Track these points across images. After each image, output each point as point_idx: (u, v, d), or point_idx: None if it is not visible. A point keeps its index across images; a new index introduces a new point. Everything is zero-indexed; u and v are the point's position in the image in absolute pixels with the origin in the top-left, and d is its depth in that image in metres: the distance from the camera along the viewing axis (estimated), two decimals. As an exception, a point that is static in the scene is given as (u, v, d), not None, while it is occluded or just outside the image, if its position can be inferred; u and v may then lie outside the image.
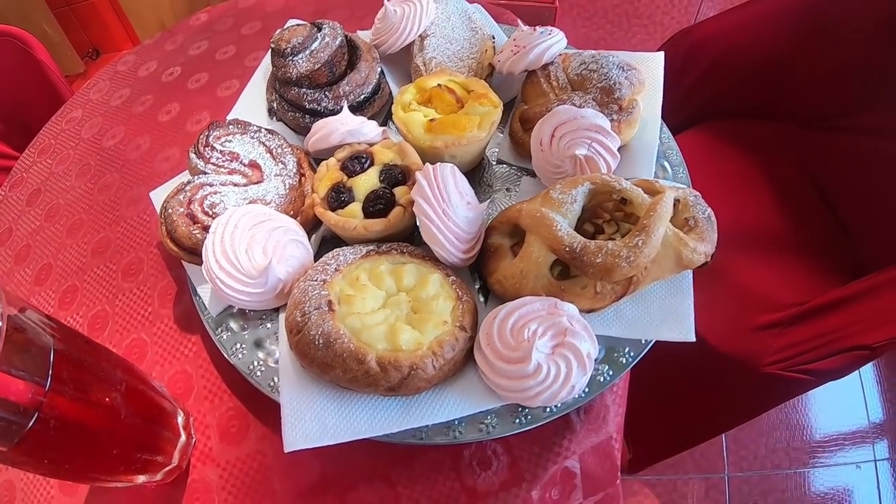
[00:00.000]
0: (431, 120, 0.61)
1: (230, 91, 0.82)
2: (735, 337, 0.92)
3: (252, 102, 0.73)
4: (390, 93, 0.72)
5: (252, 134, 0.65)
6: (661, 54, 0.72)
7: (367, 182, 0.58)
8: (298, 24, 0.68)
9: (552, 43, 0.67)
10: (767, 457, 1.27)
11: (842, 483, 1.28)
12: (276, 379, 0.53)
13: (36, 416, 0.40)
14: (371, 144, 0.62)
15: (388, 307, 0.52)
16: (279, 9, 0.94)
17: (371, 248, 0.56)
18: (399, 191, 0.57)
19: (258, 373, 0.54)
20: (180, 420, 0.57)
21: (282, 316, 0.56)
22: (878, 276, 0.85)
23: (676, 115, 1.15)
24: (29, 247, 0.77)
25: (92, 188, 0.78)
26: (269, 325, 0.57)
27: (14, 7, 1.61)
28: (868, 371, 1.44)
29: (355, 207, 0.57)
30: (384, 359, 0.48)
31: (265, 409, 0.56)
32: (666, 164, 0.67)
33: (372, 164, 0.60)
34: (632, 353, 0.54)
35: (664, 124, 0.70)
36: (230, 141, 0.64)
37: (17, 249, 0.77)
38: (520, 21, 0.71)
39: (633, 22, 1.42)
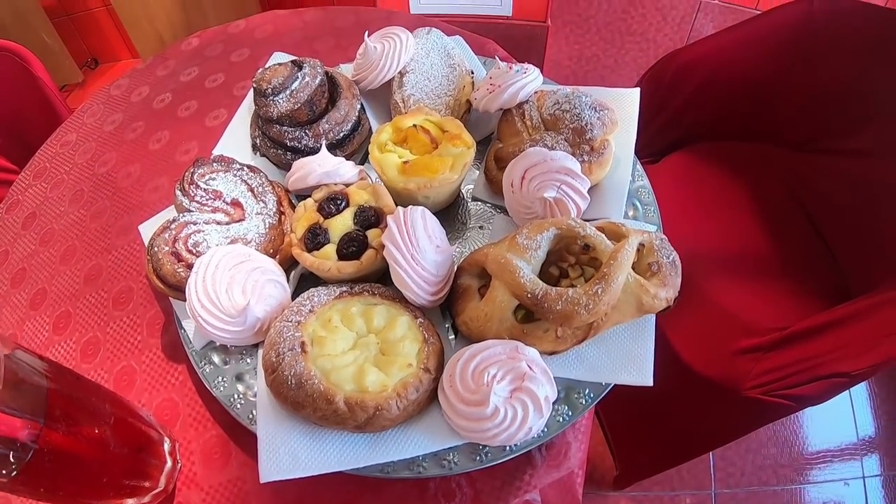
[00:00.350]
0: (405, 162, 0.65)
1: (218, 121, 0.86)
2: (717, 360, 0.96)
3: (237, 136, 0.77)
4: (370, 128, 0.76)
5: (235, 172, 0.69)
6: (637, 91, 0.76)
7: (341, 224, 0.62)
8: (280, 64, 0.72)
9: (527, 82, 0.70)
10: (755, 473, 1.31)
11: (830, 500, 1.31)
12: (253, 412, 0.58)
13: (33, 450, 0.45)
14: (347, 185, 0.66)
15: (358, 348, 0.56)
16: (267, 36, 0.98)
17: (344, 288, 0.60)
18: (372, 233, 0.62)
19: (238, 405, 0.59)
20: (167, 446, 0.62)
21: (261, 352, 0.61)
22: (858, 303, 0.89)
23: (663, 137, 1.19)
24: (24, 270, 0.82)
25: (84, 215, 0.83)
26: (248, 361, 0.62)
27: (13, 16, 1.66)
28: (858, 387, 1.47)
29: (330, 249, 0.61)
30: (351, 399, 0.52)
31: (246, 438, 0.61)
32: (637, 202, 0.71)
33: (347, 205, 0.64)
34: (591, 395, 0.59)
35: (637, 161, 0.73)
36: (214, 179, 0.69)
37: (13, 272, 0.83)
38: (497, 58, 0.75)
39: (626, 39, 1.45)
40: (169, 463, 0.61)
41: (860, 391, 1.42)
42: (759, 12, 1.39)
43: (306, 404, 0.53)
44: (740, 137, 1.15)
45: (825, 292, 1.02)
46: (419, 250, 0.58)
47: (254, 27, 1.00)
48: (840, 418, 1.39)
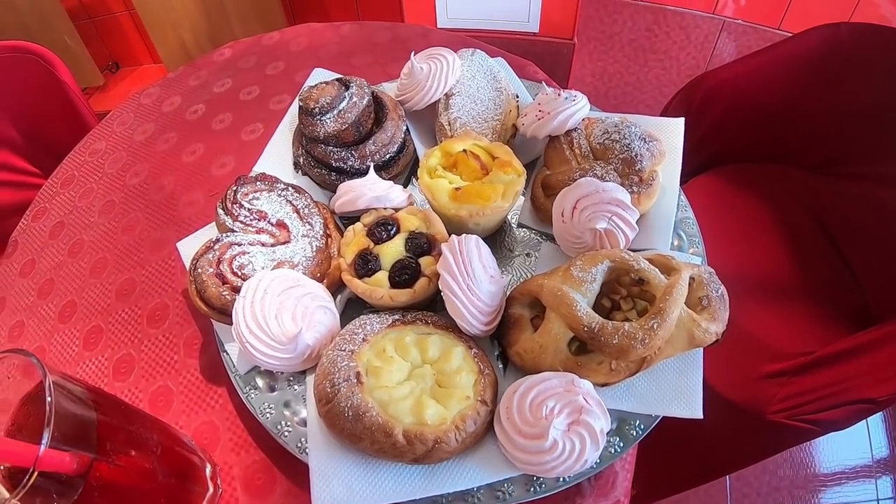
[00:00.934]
0: (457, 188, 0.65)
1: (254, 135, 0.86)
2: (742, 384, 0.97)
3: (278, 153, 0.77)
4: (414, 150, 0.76)
5: (279, 192, 0.69)
6: (681, 121, 0.76)
7: (393, 250, 0.62)
8: (326, 83, 0.72)
9: (576, 110, 0.71)
10: (770, 494, 1.33)
11: (844, 522, 1.33)
12: (303, 440, 0.58)
13: (82, 485, 0.44)
14: (396, 209, 0.66)
15: (414, 379, 0.56)
16: (302, 49, 0.98)
17: (397, 317, 0.60)
18: (424, 261, 0.62)
19: (286, 433, 0.59)
20: (208, 471, 0.62)
21: (309, 378, 0.61)
22: (883, 328, 0.90)
23: (692, 158, 1.19)
24: (52, 281, 0.81)
25: (115, 227, 0.82)
26: (296, 388, 0.62)
27: (36, 18, 1.66)
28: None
29: (382, 276, 0.61)
30: (410, 432, 0.52)
31: (291, 465, 0.61)
32: (682, 233, 0.71)
33: (398, 231, 0.64)
34: (641, 426, 0.59)
35: (682, 193, 0.74)
36: (258, 198, 0.68)
37: (39, 283, 0.82)
38: (544, 83, 0.75)
39: (649, 57, 1.46)
40: (210, 489, 0.61)
41: (875, 415, 1.44)
42: (781, 32, 1.41)
43: (364, 437, 0.53)
44: (765, 160, 1.17)
45: (849, 316, 1.04)
46: (475, 280, 0.58)
47: (288, 39, 1.00)
48: (855, 440, 1.41)
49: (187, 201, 0.82)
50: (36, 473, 0.40)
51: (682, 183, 1.26)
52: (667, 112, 1.13)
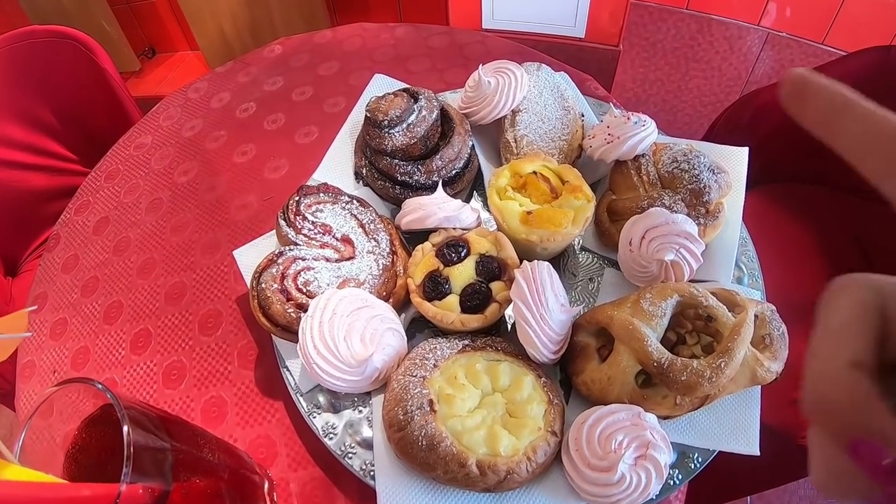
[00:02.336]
0: (528, 212, 0.65)
1: (308, 139, 0.85)
2: (774, 407, 0.98)
3: (337, 162, 0.77)
4: (478, 165, 0.76)
5: (343, 205, 0.69)
6: (745, 150, 0.77)
7: (463, 273, 0.63)
8: (395, 94, 0.71)
9: (646, 135, 0.71)
10: (789, 513, 1.36)
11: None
12: (367, 463, 0.59)
13: None
14: (465, 230, 0.67)
15: (485, 407, 0.57)
16: (356, 49, 0.96)
17: (466, 342, 0.61)
18: (495, 286, 0.62)
19: (350, 455, 0.60)
20: (266, 488, 0.63)
21: (374, 400, 0.62)
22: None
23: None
24: (97, 279, 0.81)
25: (164, 226, 0.82)
26: (361, 410, 0.62)
27: (75, 3, 1.64)
28: None
29: (453, 300, 0.61)
30: (483, 463, 0.53)
31: (349, 486, 0.62)
32: (742, 266, 0.72)
33: (468, 253, 0.64)
34: (700, 460, 0.61)
35: (744, 226, 0.74)
36: (321, 211, 0.68)
37: (84, 280, 0.82)
38: (612, 104, 0.75)
39: (691, 65, 1.45)
40: None
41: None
42: (826, 47, 1.40)
43: (437, 466, 0.53)
44: (808, 180, 1.18)
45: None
46: (547, 309, 0.58)
47: (341, 39, 0.98)
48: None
49: (239, 204, 0.81)
50: None
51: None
52: (715, 127, 1.13)
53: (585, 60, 1.23)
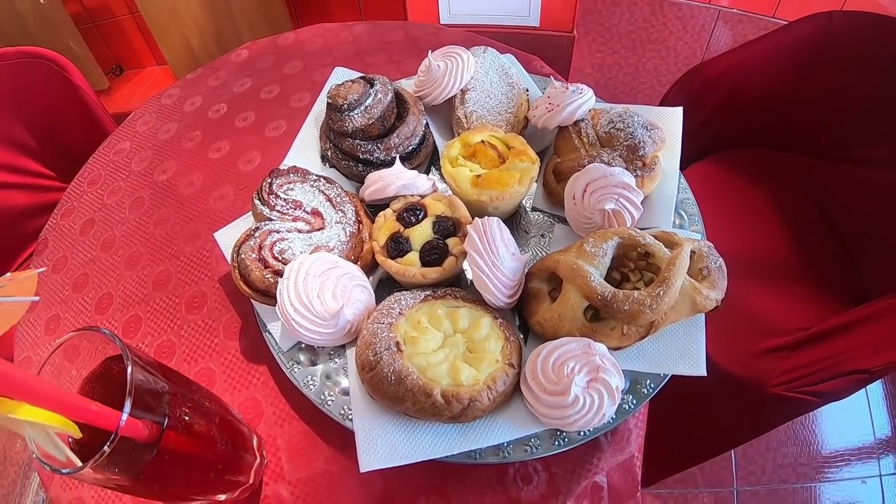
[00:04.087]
0: (478, 175, 0.75)
1: (277, 132, 0.95)
2: (743, 360, 1.07)
3: (305, 148, 0.86)
4: (434, 142, 0.86)
5: (312, 182, 0.78)
6: (680, 110, 0.87)
7: (422, 232, 0.72)
8: (353, 81, 0.81)
9: (583, 101, 0.81)
10: (775, 472, 1.44)
11: (847, 498, 1.45)
12: (345, 408, 0.67)
13: (155, 450, 0.50)
14: (422, 196, 0.76)
15: (447, 347, 0.66)
16: (318, 49, 1.07)
17: (428, 292, 0.70)
18: (451, 241, 0.72)
19: (329, 402, 0.68)
20: (255, 443, 0.71)
21: (349, 352, 0.70)
22: (878, 304, 1.01)
23: (690, 146, 1.30)
24: (86, 276, 0.90)
25: (147, 222, 0.91)
26: (336, 361, 0.71)
27: (41, 25, 1.73)
28: (875, 388, 1.61)
29: (413, 256, 0.71)
30: (448, 393, 0.62)
31: (331, 433, 0.70)
32: (683, 213, 0.82)
33: (425, 215, 0.74)
34: (652, 385, 0.69)
35: (682, 176, 0.84)
36: (292, 189, 0.78)
37: (73, 277, 0.90)
38: (552, 78, 0.85)
39: (646, 47, 1.57)
40: (258, 458, 0.70)
41: (877, 393, 1.56)
42: (776, 20, 1.52)
43: (406, 398, 0.62)
44: (763, 145, 1.28)
45: (845, 295, 1.15)
46: (498, 257, 0.68)
47: (304, 39, 1.09)
48: (857, 419, 1.53)
49: (217, 195, 0.91)
50: (118, 437, 0.44)
51: (681, 168, 1.38)
52: (666, 100, 1.23)
53: (542, 48, 1.34)
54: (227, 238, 0.80)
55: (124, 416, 0.46)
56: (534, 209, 0.83)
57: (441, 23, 1.33)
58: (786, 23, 1.18)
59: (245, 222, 0.80)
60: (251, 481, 0.68)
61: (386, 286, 0.77)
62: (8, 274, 0.55)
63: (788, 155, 1.27)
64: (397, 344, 0.64)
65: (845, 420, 1.54)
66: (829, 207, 1.24)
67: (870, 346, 0.96)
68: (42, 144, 1.16)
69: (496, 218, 0.70)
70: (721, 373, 1.09)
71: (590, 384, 0.63)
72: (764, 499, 1.41)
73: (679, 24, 1.52)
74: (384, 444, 0.64)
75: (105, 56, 2.08)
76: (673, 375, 0.70)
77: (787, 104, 1.22)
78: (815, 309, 1.13)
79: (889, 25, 1.10)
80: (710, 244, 0.75)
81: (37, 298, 0.76)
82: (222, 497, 0.66)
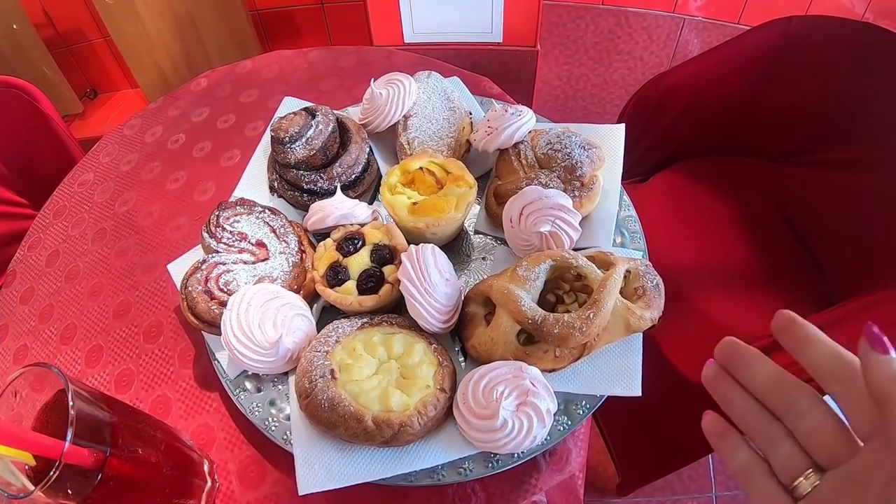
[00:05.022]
0: (415, 203, 0.78)
1: (232, 161, 0.99)
2: (698, 371, 1.10)
3: (254, 178, 0.90)
4: (378, 168, 0.89)
5: (257, 214, 0.82)
6: (622, 127, 0.89)
7: (359, 261, 0.75)
8: (294, 113, 0.85)
9: (521, 124, 0.84)
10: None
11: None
12: (288, 433, 0.70)
13: (100, 476, 0.55)
14: (362, 225, 0.79)
15: (381, 373, 0.69)
16: (274, 76, 1.11)
17: (365, 320, 0.73)
18: (387, 269, 0.75)
19: (273, 427, 0.72)
20: (206, 467, 0.74)
21: (291, 378, 0.74)
22: (841, 308, 1.03)
23: (651, 157, 1.33)
24: (52, 307, 0.94)
25: (108, 253, 0.95)
26: (280, 387, 0.74)
27: (14, 50, 1.79)
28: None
29: (350, 285, 0.74)
30: (378, 419, 0.65)
31: (279, 457, 0.73)
32: (624, 231, 0.84)
33: (364, 244, 0.77)
34: (587, 406, 0.72)
35: (624, 192, 0.86)
36: (238, 221, 0.81)
37: (40, 308, 0.94)
38: (494, 101, 0.88)
39: (613, 58, 1.60)
40: (209, 482, 0.73)
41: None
42: (741, 26, 1.54)
43: (339, 424, 0.65)
44: (725, 153, 1.30)
45: (812, 299, 1.16)
46: (431, 284, 0.71)
47: (260, 67, 1.13)
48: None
49: (174, 226, 0.95)
50: (62, 464, 0.49)
51: (641, 181, 1.40)
52: (625, 113, 1.26)
53: (506, 63, 1.37)
54: (179, 269, 0.83)
55: (66, 444, 0.51)
56: (476, 232, 0.86)
57: (405, 41, 1.36)
58: (750, 28, 1.20)
59: (196, 253, 0.84)
60: (203, 505, 0.72)
61: (330, 313, 0.80)
62: None
63: (751, 161, 1.29)
64: (332, 371, 0.68)
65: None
66: (793, 212, 1.25)
67: (834, 350, 0.98)
68: (14, 172, 1.20)
69: (431, 245, 0.73)
70: (688, 382, 1.11)
71: (519, 408, 0.66)
72: (743, 503, 1.42)
73: (644, 34, 1.54)
74: (321, 468, 0.67)
75: (79, 80, 2.13)
76: (609, 397, 0.72)
77: (747, 111, 1.24)
78: (783, 314, 1.14)
79: (846, 28, 1.12)
80: (648, 263, 0.77)
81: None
82: (176, 521, 0.70)
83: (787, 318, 0.41)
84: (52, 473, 0.49)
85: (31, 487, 0.51)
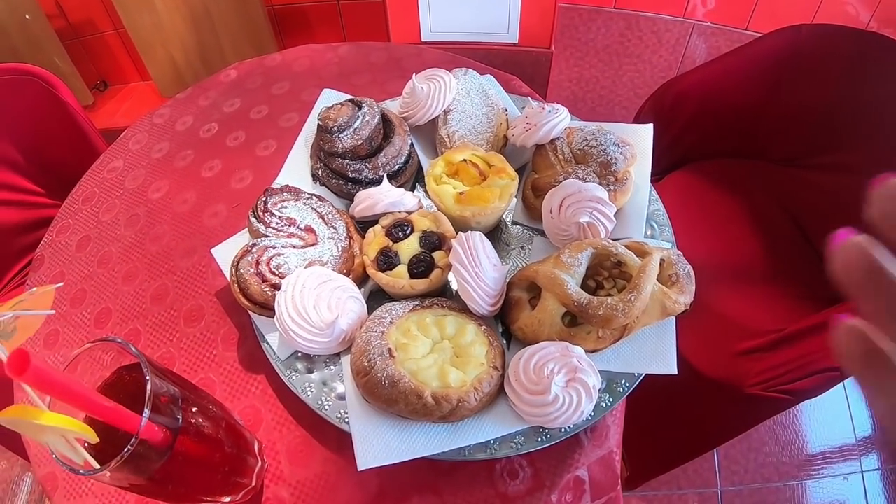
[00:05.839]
0: (460, 193, 0.84)
1: (268, 151, 1.03)
2: (720, 362, 1.17)
3: (296, 167, 0.94)
4: (418, 160, 0.95)
5: (304, 200, 0.86)
6: (651, 126, 0.96)
7: (409, 247, 0.81)
8: (341, 104, 0.90)
9: (559, 121, 0.90)
10: (758, 471, 1.53)
11: (830, 494, 1.54)
12: (342, 411, 0.75)
13: (169, 453, 0.56)
14: (409, 212, 0.85)
15: (436, 352, 0.74)
16: (305, 70, 1.15)
17: (416, 303, 0.78)
18: (437, 255, 0.80)
19: (326, 407, 0.76)
20: (256, 447, 0.78)
21: (344, 359, 0.78)
22: (847, 305, 1.11)
23: (665, 158, 1.42)
24: (84, 291, 0.96)
25: (143, 238, 0.98)
26: (332, 368, 0.79)
27: (26, 41, 1.81)
28: (854, 389, 1.72)
29: (402, 269, 0.79)
30: (437, 394, 0.70)
31: (329, 437, 0.77)
32: (654, 224, 0.91)
33: (412, 230, 0.82)
34: (627, 384, 0.78)
35: (653, 188, 0.94)
36: (286, 207, 0.86)
37: (72, 293, 0.97)
38: (529, 98, 0.95)
39: (623, 61, 1.69)
40: (259, 462, 0.77)
41: (856, 392, 1.67)
42: (749, 32, 1.65)
43: (399, 400, 0.70)
44: (735, 155, 1.39)
45: (816, 296, 1.25)
46: (481, 269, 0.76)
47: (290, 60, 1.17)
48: (837, 417, 1.64)
49: (210, 213, 0.98)
50: (138, 440, 0.51)
51: (656, 180, 1.49)
52: (640, 115, 1.34)
53: (521, 64, 1.44)
54: (223, 253, 0.87)
55: (144, 419, 0.52)
56: (514, 223, 0.92)
57: (423, 40, 1.42)
58: (758, 35, 1.29)
59: (240, 238, 0.88)
60: (253, 483, 0.75)
61: (376, 297, 0.85)
62: (34, 289, 0.62)
63: (757, 163, 1.38)
64: (389, 350, 0.73)
65: (825, 419, 1.64)
66: (799, 213, 1.34)
67: (839, 345, 1.06)
68: (30, 161, 1.22)
69: (479, 232, 0.79)
70: (699, 375, 1.19)
71: (568, 384, 0.72)
72: (748, 498, 1.51)
73: (654, 38, 1.63)
74: (379, 444, 0.71)
75: (89, 72, 2.14)
76: (648, 376, 0.78)
77: (756, 115, 1.33)
78: (789, 309, 1.23)
79: (854, 37, 1.21)
80: (679, 252, 0.84)
81: (52, 312, 0.82)
82: (227, 499, 0.73)
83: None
84: (127, 448, 0.50)
85: (95, 464, 0.52)
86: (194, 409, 0.65)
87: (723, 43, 1.62)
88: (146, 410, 0.53)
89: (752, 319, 1.22)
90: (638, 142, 0.94)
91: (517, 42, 1.43)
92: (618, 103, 1.77)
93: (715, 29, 1.60)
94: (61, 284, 0.94)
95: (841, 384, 1.04)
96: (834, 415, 1.66)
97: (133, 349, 0.57)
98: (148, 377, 0.54)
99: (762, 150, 1.38)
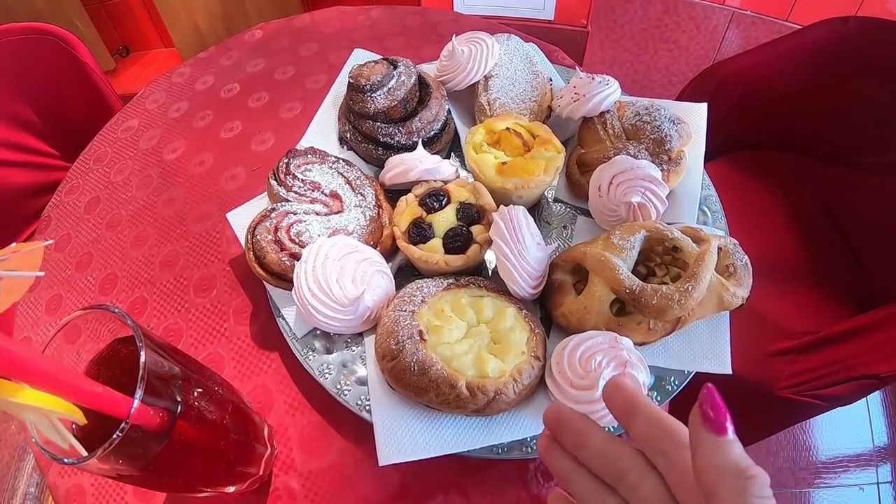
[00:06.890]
0: (503, 163, 0.73)
1: (292, 113, 0.92)
2: (752, 362, 1.06)
3: (322, 130, 0.84)
4: (455, 128, 0.83)
5: (330, 164, 0.76)
6: (704, 106, 0.85)
7: (445, 219, 0.70)
8: (375, 62, 0.79)
9: (609, 93, 0.79)
10: (774, 476, 1.43)
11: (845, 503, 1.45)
12: (362, 398, 0.65)
13: (167, 440, 0.46)
14: (445, 182, 0.74)
15: (471, 337, 0.64)
16: (334, 31, 1.04)
17: (451, 281, 0.67)
18: (475, 229, 0.69)
19: (346, 392, 0.66)
20: (265, 432, 0.68)
21: (368, 339, 0.68)
22: (887, 309, 1.00)
23: (706, 144, 1.30)
24: (90, 255, 0.86)
25: (155, 200, 0.88)
26: (354, 349, 0.68)
27: (47, 2, 1.71)
28: (874, 397, 1.61)
29: (436, 243, 0.68)
30: (473, 384, 0.59)
31: (347, 424, 0.67)
32: (706, 209, 0.80)
33: (449, 201, 0.71)
34: (676, 382, 0.68)
35: (705, 173, 0.83)
36: (310, 170, 0.75)
37: (77, 256, 0.87)
38: (578, 68, 0.83)
39: (658, 46, 1.56)
40: (268, 449, 0.67)
41: (876, 401, 1.56)
42: (789, 23, 1.52)
43: (429, 389, 0.59)
44: (775, 148, 1.27)
45: (854, 299, 1.14)
46: (524, 247, 0.65)
47: (319, 21, 1.06)
48: (857, 426, 1.53)
49: (228, 176, 0.88)
50: (129, 426, 0.40)
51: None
52: (681, 99, 1.22)
53: (555, 41, 1.31)
54: (240, 219, 0.77)
55: (136, 403, 0.42)
56: (556, 200, 0.81)
57: (454, 9, 1.31)
58: (799, 27, 1.17)
59: (259, 203, 0.77)
60: (261, 472, 0.65)
61: (404, 273, 0.75)
62: (13, 245, 0.50)
63: (800, 158, 1.27)
64: (420, 333, 0.62)
65: (844, 427, 1.54)
66: (838, 212, 1.23)
67: (879, 351, 0.96)
68: (46, 122, 1.12)
69: (521, 206, 0.68)
70: (730, 375, 1.08)
71: (617, 379, 0.61)
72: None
73: (692, 24, 1.51)
74: (404, 437, 0.61)
75: (111, 37, 2.05)
76: (697, 374, 0.68)
77: (799, 108, 1.21)
78: (824, 311, 1.12)
79: (902, 31, 1.10)
80: (736, 241, 0.73)
81: (42, 273, 0.72)
82: (231, 489, 0.63)
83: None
84: (115, 436, 0.40)
85: (82, 451, 0.42)
86: (198, 391, 0.54)
87: (762, 33, 1.50)
88: (139, 391, 0.42)
89: (787, 320, 1.11)
90: (691, 121, 0.83)
91: (552, 19, 1.31)
92: (650, 89, 1.65)
93: (755, 18, 1.48)
94: (51, 242, 0.84)
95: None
96: (853, 423, 1.55)
97: (129, 320, 0.45)
98: (143, 352, 0.44)
99: (804, 145, 1.26)
